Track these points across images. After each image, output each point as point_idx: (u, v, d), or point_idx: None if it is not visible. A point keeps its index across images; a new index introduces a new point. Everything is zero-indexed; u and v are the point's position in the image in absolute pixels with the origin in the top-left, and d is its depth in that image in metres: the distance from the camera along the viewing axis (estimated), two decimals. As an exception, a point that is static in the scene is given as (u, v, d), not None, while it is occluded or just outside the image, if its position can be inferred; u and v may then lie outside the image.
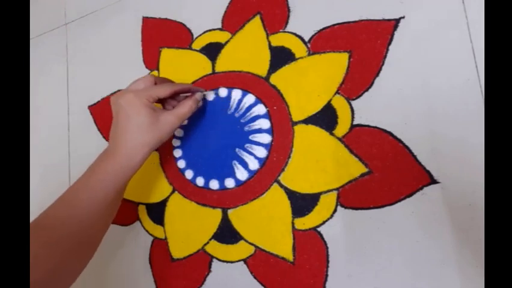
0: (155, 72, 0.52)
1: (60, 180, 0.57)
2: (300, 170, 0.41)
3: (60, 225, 0.35)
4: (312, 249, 0.39)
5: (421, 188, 0.36)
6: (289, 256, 0.40)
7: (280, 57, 0.44)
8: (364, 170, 0.38)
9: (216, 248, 0.44)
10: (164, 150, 0.49)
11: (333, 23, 0.42)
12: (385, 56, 0.39)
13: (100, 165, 0.38)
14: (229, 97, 0.46)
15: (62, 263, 0.34)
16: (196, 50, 0.49)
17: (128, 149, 0.37)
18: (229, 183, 0.44)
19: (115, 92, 0.54)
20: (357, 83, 0.40)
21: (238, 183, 0.44)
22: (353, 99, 0.39)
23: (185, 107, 0.40)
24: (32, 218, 0.58)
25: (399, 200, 0.37)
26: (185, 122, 0.48)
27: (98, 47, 0.58)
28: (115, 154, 0.37)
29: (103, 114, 0.55)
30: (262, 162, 0.43)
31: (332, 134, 0.40)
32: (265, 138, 0.43)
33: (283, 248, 0.41)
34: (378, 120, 0.38)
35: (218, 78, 0.47)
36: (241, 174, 0.44)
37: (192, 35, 0.50)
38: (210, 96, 0.46)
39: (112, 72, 0.56)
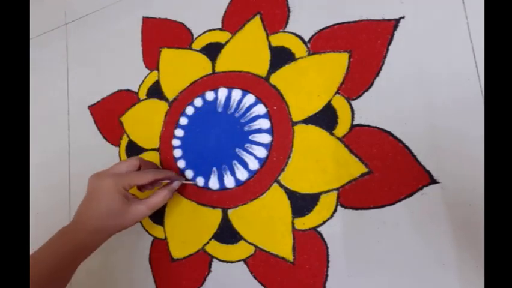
0: (155, 73, 0.52)
1: (60, 180, 0.57)
2: (300, 170, 0.41)
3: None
4: (312, 249, 0.39)
5: (421, 188, 0.36)
6: (289, 256, 0.40)
7: (280, 57, 0.44)
8: (364, 170, 0.38)
9: (216, 248, 0.44)
10: (164, 150, 0.49)
11: (333, 23, 0.42)
12: (385, 56, 0.39)
13: (58, 242, 0.39)
14: (229, 97, 0.46)
15: None
16: (196, 50, 0.49)
17: (87, 234, 0.39)
18: (229, 183, 0.44)
19: (114, 93, 0.54)
20: (357, 83, 0.40)
21: (238, 183, 0.44)
22: (353, 99, 0.39)
23: (159, 197, 0.41)
24: (31, 218, 0.58)
25: (399, 200, 0.37)
26: (186, 122, 0.48)
27: (98, 47, 0.58)
28: (75, 234, 0.39)
29: (103, 114, 0.55)
30: (262, 162, 0.43)
31: (332, 134, 0.40)
32: (265, 138, 0.43)
33: (283, 248, 0.41)
34: (378, 120, 0.38)
35: (218, 78, 0.47)
36: (241, 174, 0.44)
37: (192, 35, 0.50)
38: (190, 183, 0.46)
39: (112, 72, 0.56)
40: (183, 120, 0.48)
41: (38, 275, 0.36)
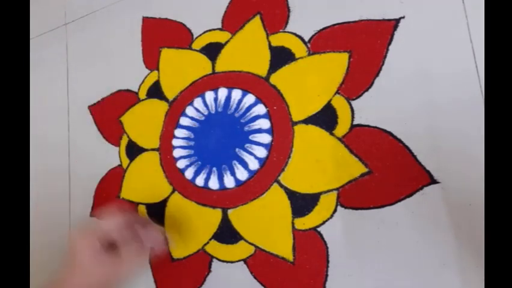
0: (155, 73, 0.52)
1: (60, 181, 0.57)
2: (300, 170, 0.41)
3: None
4: (312, 249, 0.39)
5: (421, 188, 0.36)
6: (289, 256, 0.40)
7: (280, 57, 0.44)
8: (364, 170, 0.38)
9: (216, 248, 0.44)
10: (164, 150, 0.49)
11: (333, 23, 0.42)
12: (385, 56, 0.39)
13: None
14: (229, 97, 0.46)
15: None
16: (196, 50, 0.49)
17: None
18: (229, 183, 0.44)
19: (115, 93, 0.54)
20: (357, 83, 0.40)
21: (238, 183, 0.44)
22: (353, 99, 0.39)
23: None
24: (32, 216, 0.58)
25: (399, 200, 0.37)
26: (186, 122, 0.48)
27: (98, 47, 0.58)
28: None
29: (103, 114, 0.55)
30: (262, 162, 0.43)
31: (332, 134, 0.40)
32: (265, 138, 0.43)
33: (283, 248, 0.41)
34: (378, 120, 0.38)
35: (218, 78, 0.47)
36: (241, 174, 0.44)
37: (192, 35, 0.50)
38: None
39: (112, 72, 0.56)
40: (183, 120, 0.48)
41: None
